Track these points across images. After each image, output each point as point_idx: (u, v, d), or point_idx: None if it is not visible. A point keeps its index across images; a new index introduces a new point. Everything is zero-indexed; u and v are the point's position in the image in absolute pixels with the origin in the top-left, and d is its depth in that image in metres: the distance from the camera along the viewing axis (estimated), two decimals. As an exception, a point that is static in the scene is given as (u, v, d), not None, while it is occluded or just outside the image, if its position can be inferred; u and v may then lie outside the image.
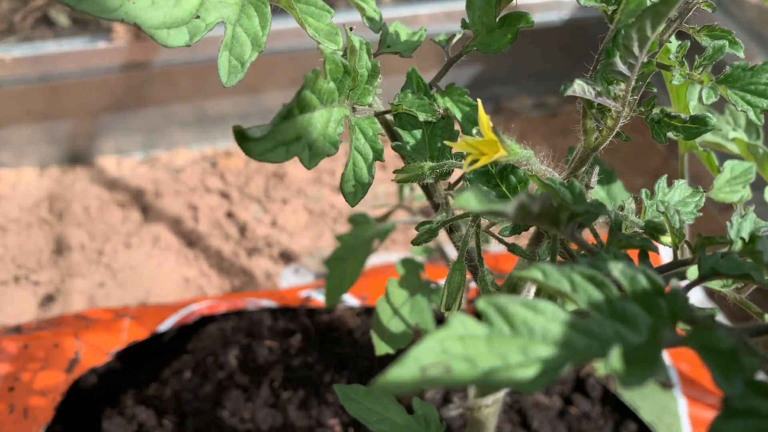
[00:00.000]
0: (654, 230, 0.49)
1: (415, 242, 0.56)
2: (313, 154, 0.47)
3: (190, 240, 1.80)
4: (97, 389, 1.29)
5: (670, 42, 0.55)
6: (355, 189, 0.51)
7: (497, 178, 0.51)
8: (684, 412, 1.28)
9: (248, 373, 1.27)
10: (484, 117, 0.47)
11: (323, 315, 1.39)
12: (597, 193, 0.71)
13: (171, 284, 1.71)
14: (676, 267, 0.46)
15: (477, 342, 0.31)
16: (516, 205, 0.33)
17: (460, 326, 0.32)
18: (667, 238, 0.49)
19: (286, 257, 1.78)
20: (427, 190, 0.64)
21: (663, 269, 0.46)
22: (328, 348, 1.33)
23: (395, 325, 0.90)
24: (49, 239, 1.81)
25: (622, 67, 0.45)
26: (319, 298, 1.38)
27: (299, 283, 1.64)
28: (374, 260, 1.62)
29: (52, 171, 1.96)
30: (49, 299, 1.68)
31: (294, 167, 1.98)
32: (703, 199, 0.56)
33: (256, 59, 0.52)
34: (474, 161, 0.48)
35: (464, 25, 0.62)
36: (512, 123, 2.25)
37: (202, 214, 1.86)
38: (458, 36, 0.65)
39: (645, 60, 0.48)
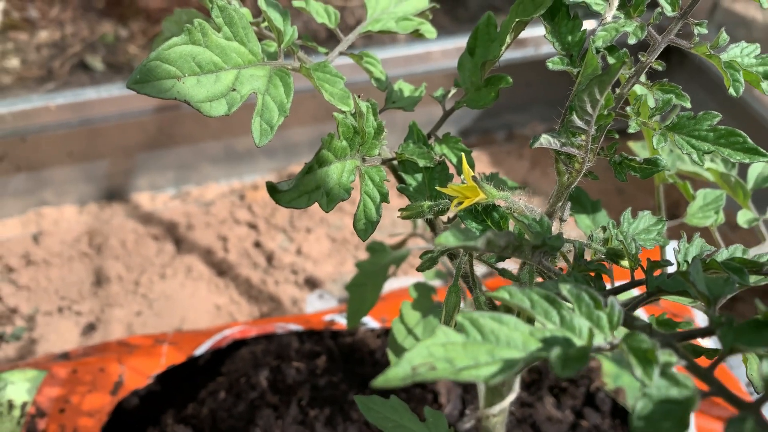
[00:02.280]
0: (615, 256, 0.58)
1: (420, 269, 0.66)
2: (330, 200, 0.57)
3: (221, 269, 1.88)
4: (140, 410, 1.35)
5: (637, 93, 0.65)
6: (365, 226, 0.61)
7: (483, 214, 0.61)
8: (691, 423, 1.33)
9: (278, 393, 1.33)
10: (467, 168, 0.58)
11: (346, 337, 1.44)
12: (582, 221, 0.80)
13: (203, 312, 1.78)
14: (633, 287, 0.55)
15: (456, 347, 0.41)
16: (484, 240, 0.42)
17: (443, 335, 0.42)
18: (625, 262, 0.58)
19: (311, 283, 1.85)
20: (431, 224, 0.74)
21: (620, 289, 0.55)
22: (351, 368, 1.38)
23: (410, 344, 0.98)
24: (89, 272, 1.90)
25: (580, 123, 0.55)
26: (342, 322, 1.43)
27: (323, 308, 1.69)
28: (393, 284, 1.66)
29: (90, 208, 2.04)
30: (90, 328, 1.76)
31: (316, 198, 2.06)
32: (665, 227, 0.65)
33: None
34: (460, 203, 0.58)
35: (456, 84, 0.72)
36: (525, 149, 2.32)
37: (232, 244, 1.93)
38: (453, 91, 0.75)
39: (605, 113, 0.57)
